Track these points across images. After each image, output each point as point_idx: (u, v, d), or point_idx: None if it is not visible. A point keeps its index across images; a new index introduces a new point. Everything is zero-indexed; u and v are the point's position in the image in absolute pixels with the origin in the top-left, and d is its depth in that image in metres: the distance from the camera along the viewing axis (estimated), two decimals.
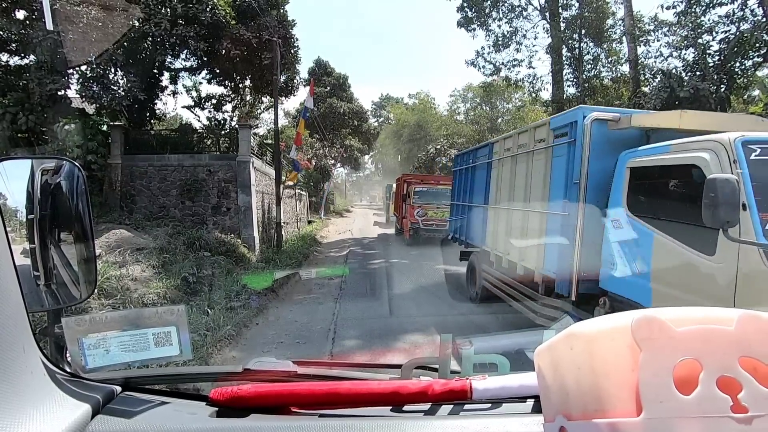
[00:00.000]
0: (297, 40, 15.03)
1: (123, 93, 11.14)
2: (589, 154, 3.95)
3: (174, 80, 15.26)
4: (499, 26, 19.81)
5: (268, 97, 16.70)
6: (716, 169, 2.83)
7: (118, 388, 0.87)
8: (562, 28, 18.28)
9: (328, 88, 31.38)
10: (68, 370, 0.84)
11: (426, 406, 0.83)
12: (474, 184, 7.78)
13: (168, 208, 11.83)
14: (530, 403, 0.82)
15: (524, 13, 19.48)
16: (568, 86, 18.89)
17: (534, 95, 21.64)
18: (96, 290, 4.90)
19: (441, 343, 1.00)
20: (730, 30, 12.79)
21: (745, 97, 14.59)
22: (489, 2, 19.26)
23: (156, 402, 0.83)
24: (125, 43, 10.88)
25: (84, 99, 11.23)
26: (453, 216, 9.26)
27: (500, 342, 1.23)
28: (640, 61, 15.13)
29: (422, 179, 17.43)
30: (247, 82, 15.80)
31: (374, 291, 8.70)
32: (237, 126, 13.13)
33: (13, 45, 10.55)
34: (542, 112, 24.32)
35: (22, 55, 10.87)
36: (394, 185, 23.06)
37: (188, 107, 17.38)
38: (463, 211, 8.36)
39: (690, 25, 13.45)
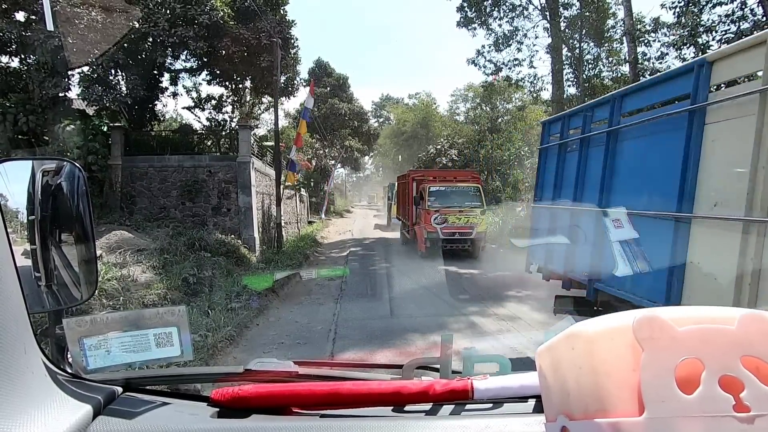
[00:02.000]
0: (297, 40, 15.08)
1: (124, 94, 11.16)
2: None
3: (174, 81, 15.29)
4: (500, 25, 19.83)
5: (268, 97, 16.71)
6: None
7: (120, 389, 0.87)
8: (563, 28, 18.28)
9: (329, 88, 31.42)
10: (69, 370, 0.84)
11: (427, 407, 0.83)
12: (616, 168, 4.21)
13: (168, 209, 11.84)
14: (531, 403, 0.82)
15: (525, 13, 19.49)
16: (569, 86, 18.90)
17: (535, 95, 21.62)
18: (97, 291, 4.91)
19: (442, 343, 1.00)
20: (729, 29, 12.79)
21: None
22: (489, 1, 19.26)
23: (157, 402, 0.83)
24: (125, 44, 10.90)
25: (86, 101, 11.26)
26: (539, 230, 5.70)
27: (501, 342, 1.23)
28: (640, 61, 15.13)
29: (436, 176, 14.23)
30: (247, 83, 15.82)
31: (375, 292, 8.69)
32: (237, 127, 13.16)
33: (14, 46, 10.57)
34: (542, 112, 24.33)
35: (23, 56, 10.89)
36: (396, 184, 21.61)
37: (188, 108, 17.41)
38: (573, 223, 4.79)
39: (689, 24, 13.45)
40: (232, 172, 12.06)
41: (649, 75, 15.15)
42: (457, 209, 12.31)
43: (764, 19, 11.44)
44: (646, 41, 16.09)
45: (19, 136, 10.34)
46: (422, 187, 13.01)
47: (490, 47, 20.25)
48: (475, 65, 20.80)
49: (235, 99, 16.92)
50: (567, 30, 18.52)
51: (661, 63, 15.76)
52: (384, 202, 34.91)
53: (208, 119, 16.94)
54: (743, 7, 12.61)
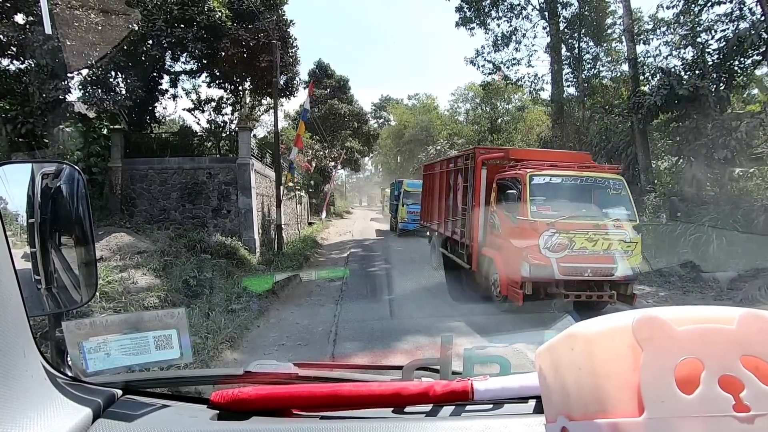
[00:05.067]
0: (296, 40, 15.06)
1: (123, 96, 11.18)
2: None
3: (174, 83, 15.31)
4: (498, 25, 19.86)
5: (267, 98, 16.72)
6: None
7: (119, 392, 0.87)
8: (561, 28, 18.29)
9: (329, 90, 31.43)
10: (69, 373, 0.84)
11: (427, 408, 0.83)
12: None
13: (168, 211, 11.84)
14: (532, 403, 0.82)
15: (523, 12, 19.50)
16: (568, 86, 18.90)
17: (534, 94, 21.62)
18: (97, 294, 4.91)
19: (442, 344, 1.00)
20: (728, 29, 12.81)
21: (745, 95, 14.60)
22: (488, 1, 19.28)
23: (157, 405, 0.83)
24: (125, 47, 10.92)
25: (87, 104, 11.28)
26: None
27: (502, 342, 1.23)
28: (639, 60, 15.14)
29: (537, 157, 7.64)
30: (247, 84, 15.82)
31: (375, 293, 8.69)
32: (237, 128, 13.16)
33: (13, 49, 10.58)
34: (542, 112, 24.35)
35: (22, 59, 10.90)
36: (405, 183, 19.50)
37: (188, 110, 17.42)
38: None
39: (689, 24, 13.47)
40: (232, 174, 12.06)
41: (649, 73, 15.18)
42: (591, 223, 6.44)
43: (762, 18, 11.45)
44: (645, 40, 16.10)
45: (19, 139, 10.34)
46: (513, 175, 6.94)
47: (488, 47, 20.28)
48: (474, 65, 20.85)
49: (235, 101, 16.93)
50: (566, 29, 18.52)
51: (660, 62, 15.78)
52: (383, 204, 34.71)
53: (208, 121, 16.96)
54: (742, 6, 12.63)
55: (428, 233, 11.82)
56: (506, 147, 11.57)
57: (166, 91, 15.02)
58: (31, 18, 10.02)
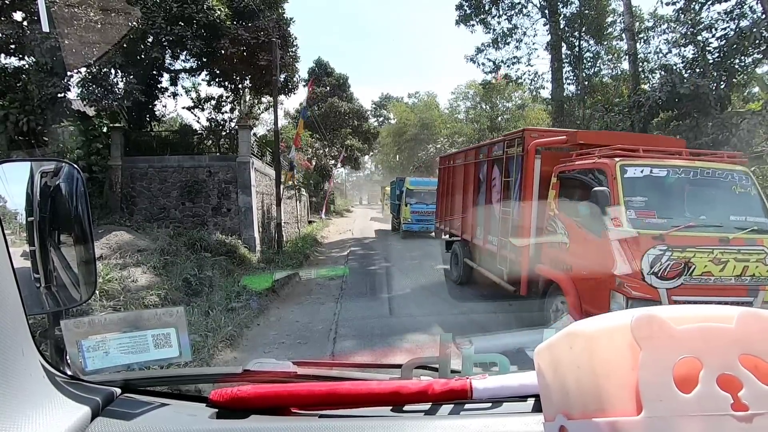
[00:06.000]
0: (295, 38, 15.02)
1: (123, 94, 11.16)
2: None
3: (174, 82, 15.26)
4: (499, 23, 19.82)
5: (267, 96, 16.69)
6: None
7: (118, 390, 0.87)
8: (562, 26, 18.26)
9: (329, 88, 31.37)
10: (68, 372, 0.84)
11: (426, 406, 0.82)
12: None
13: (168, 210, 11.84)
14: (530, 402, 0.82)
15: (524, 11, 19.46)
16: (568, 84, 18.87)
17: (534, 92, 21.57)
18: (97, 292, 4.91)
19: (441, 343, 1.00)
20: (729, 27, 12.77)
21: (745, 94, 14.57)
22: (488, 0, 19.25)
23: (156, 404, 0.83)
24: (124, 45, 10.89)
25: (86, 102, 11.26)
26: None
27: (500, 341, 1.23)
28: (639, 58, 15.10)
29: (617, 142, 5.00)
30: (247, 83, 15.79)
31: (374, 291, 8.69)
32: (237, 127, 13.15)
33: (12, 46, 10.56)
34: (543, 110, 24.30)
35: (21, 56, 10.88)
36: (408, 181, 18.81)
37: (188, 108, 17.39)
38: None
39: (689, 21, 13.43)
40: (232, 172, 12.06)
41: (650, 71, 15.14)
42: (716, 236, 4.26)
43: (763, 16, 11.42)
44: (645, 38, 16.06)
45: (18, 137, 10.33)
46: (592, 165, 4.92)
47: (488, 45, 20.23)
48: (474, 63, 20.80)
49: (235, 99, 16.89)
50: (566, 27, 18.49)
51: (660, 59, 15.73)
52: (384, 203, 34.59)
53: (207, 119, 16.92)
54: (742, 4, 12.60)
55: (446, 237, 9.83)
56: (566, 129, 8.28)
57: (166, 89, 14.98)
58: (30, 16, 10.00)
